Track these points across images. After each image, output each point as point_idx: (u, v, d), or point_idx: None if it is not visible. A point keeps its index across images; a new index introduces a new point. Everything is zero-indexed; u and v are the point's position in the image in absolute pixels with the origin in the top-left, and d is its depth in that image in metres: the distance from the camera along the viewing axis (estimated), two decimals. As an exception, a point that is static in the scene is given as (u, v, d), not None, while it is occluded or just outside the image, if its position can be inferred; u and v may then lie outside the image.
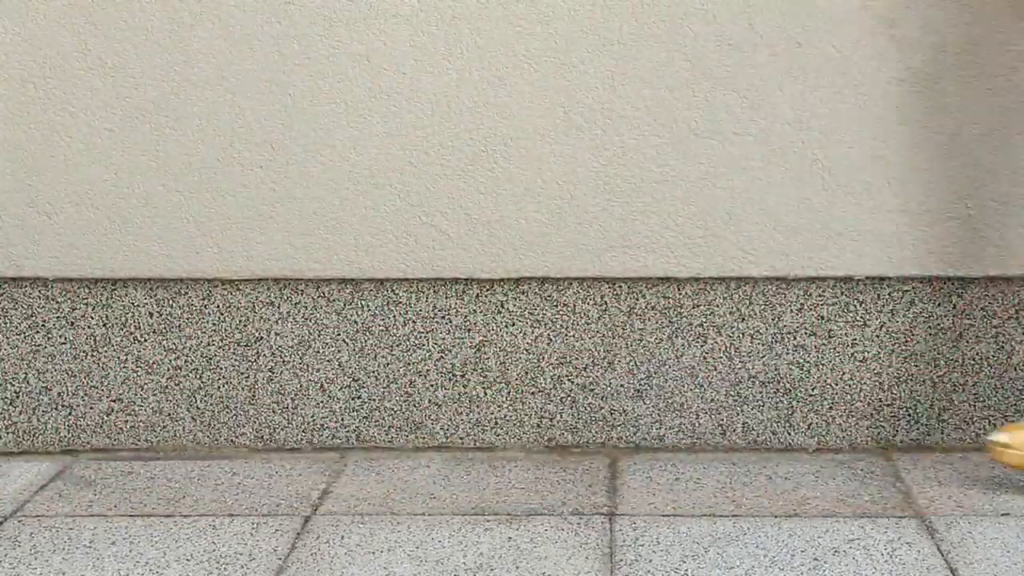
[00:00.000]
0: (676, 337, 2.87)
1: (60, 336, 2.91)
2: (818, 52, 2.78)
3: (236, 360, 2.91)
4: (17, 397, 2.93)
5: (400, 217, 2.85)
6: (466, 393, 2.90)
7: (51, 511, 2.60)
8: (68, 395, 2.93)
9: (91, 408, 2.93)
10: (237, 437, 2.93)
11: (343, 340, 2.90)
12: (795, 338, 2.86)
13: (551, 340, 2.88)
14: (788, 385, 2.87)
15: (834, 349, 2.86)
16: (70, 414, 2.93)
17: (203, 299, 2.90)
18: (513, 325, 2.88)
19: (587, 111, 2.81)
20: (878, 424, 2.87)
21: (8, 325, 2.92)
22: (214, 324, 2.91)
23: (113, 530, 2.50)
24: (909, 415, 2.87)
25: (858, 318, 2.85)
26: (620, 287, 2.86)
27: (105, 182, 2.87)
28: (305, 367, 2.91)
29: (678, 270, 2.84)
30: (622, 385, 2.89)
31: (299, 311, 2.90)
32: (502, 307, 2.88)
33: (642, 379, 2.88)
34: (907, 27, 2.77)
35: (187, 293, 2.90)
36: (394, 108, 2.83)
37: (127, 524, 2.53)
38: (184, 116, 2.85)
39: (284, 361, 2.91)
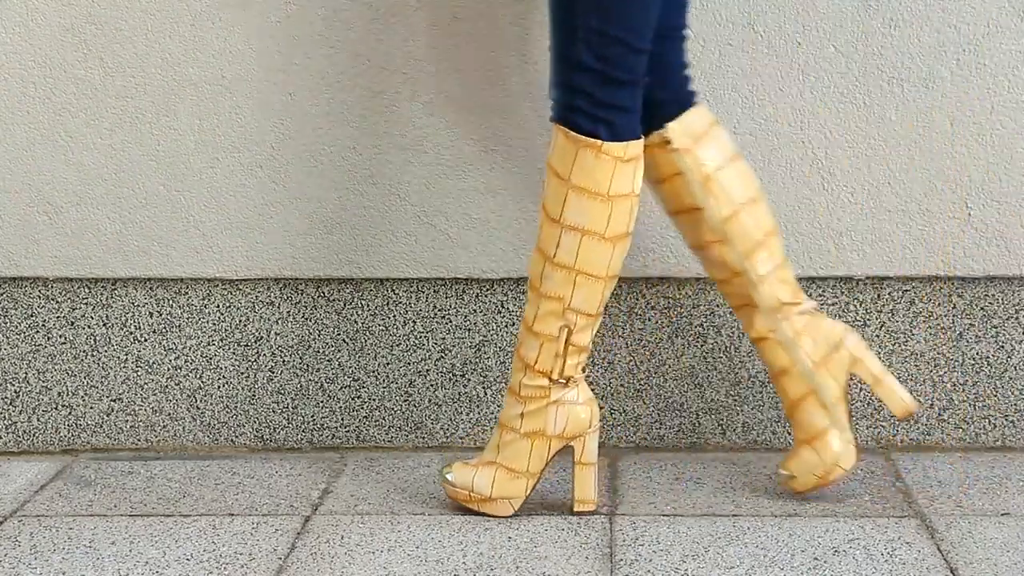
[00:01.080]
0: (676, 337, 2.87)
1: (60, 336, 2.91)
2: (818, 52, 2.78)
3: (236, 360, 2.91)
4: (17, 397, 2.93)
5: (400, 217, 2.85)
6: (466, 393, 2.90)
7: (51, 511, 2.60)
8: (68, 395, 2.93)
9: (91, 408, 2.93)
10: (237, 437, 2.93)
11: (343, 340, 2.90)
12: (795, 338, 2.86)
13: (551, 340, 2.88)
14: (788, 385, 2.87)
15: (834, 349, 2.86)
16: (70, 414, 2.93)
17: (203, 299, 2.90)
18: (513, 325, 2.87)
19: (587, 111, 2.81)
20: (878, 424, 2.87)
21: (8, 325, 2.92)
22: (214, 324, 2.90)
23: (113, 530, 2.50)
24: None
25: (858, 318, 2.85)
26: (620, 287, 2.86)
27: (105, 182, 2.87)
28: (305, 367, 2.91)
29: (678, 270, 2.84)
30: (622, 385, 2.89)
31: (299, 311, 2.89)
32: (502, 307, 2.88)
33: (642, 379, 2.88)
34: (907, 27, 2.77)
35: (187, 293, 2.90)
36: (394, 108, 2.83)
37: (127, 524, 2.53)
38: (184, 116, 2.85)
39: (284, 361, 2.91)
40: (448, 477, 2.53)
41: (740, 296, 2.55)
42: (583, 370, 2.51)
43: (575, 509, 2.53)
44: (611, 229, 2.42)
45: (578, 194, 2.41)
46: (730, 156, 2.53)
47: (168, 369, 2.92)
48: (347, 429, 2.92)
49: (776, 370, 2.55)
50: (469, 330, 2.88)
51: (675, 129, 2.50)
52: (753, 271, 2.52)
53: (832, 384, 2.54)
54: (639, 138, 2.43)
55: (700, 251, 2.56)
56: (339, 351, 2.90)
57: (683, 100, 2.53)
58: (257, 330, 2.90)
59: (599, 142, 2.39)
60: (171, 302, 2.90)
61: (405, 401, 2.91)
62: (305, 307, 2.89)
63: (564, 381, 2.48)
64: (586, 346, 2.48)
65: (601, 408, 2.87)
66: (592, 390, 2.88)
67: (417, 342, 2.89)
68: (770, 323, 2.54)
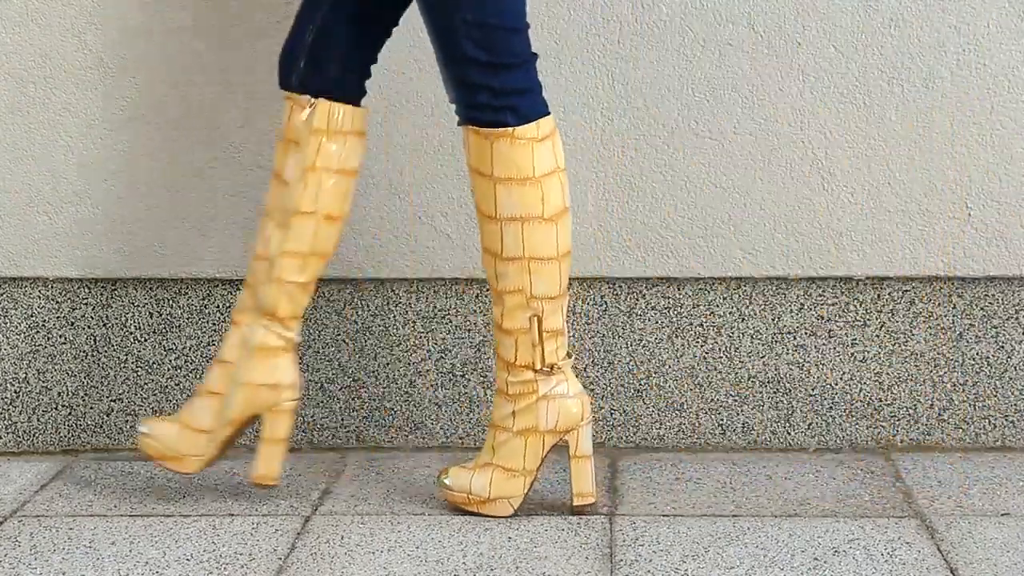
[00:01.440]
0: (676, 337, 2.87)
1: (60, 336, 2.91)
2: (818, 52, 2.78)
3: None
4: (17, 397, 2.93)
5: (400, 217, 2.85)
6: (466, 393, 2.90)
7: (51, 511, 2.60)
8: (68, 395, 2.93)
9: (91, 408, 2.92)
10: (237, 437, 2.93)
11: (343, 340, 2.90)
12: (795, 338, 2.86)
13: (551, 340, 2.88)
14: (788, 385, 2.87)
15: (834, 349, 2.86)
16: (70, 414, 2.93)
17: (203, 299, 2.90)
18: (513, 325, 2.87)
19: (586, 111, 2.81)
20: (878, 424, 2.87)
21: (8, 325, 2.92)
22: (214, 324, 2.90)
23: (113, 530, 2.50)
24: (909, 415, 2.87)
25: (858, 318, 2.85)
26: (620, 287, 2.86)
27: (105, 182, 2.87)
28: (305, 367, 2.91)
29: (678, 270, 2.84)
30: (622, 385, 2.89)
31: (299, 311, 2.89)
32: (502, 307, 2.87)
33: (642, 379, 2.88)
34: (907, 27, 2.77)
35: (187, 293, 2.90)
36: (394, 108, 2.83)
37: (127, 524, 2.53)
38: (184, 116, 2.85)
39: (284, 361, 2.91)
40: (446, 482, 2.53)
41: (255, 276, 2.54)
42: (569, 356, 2.50)
43: (575, 503, 2.52)
44: (548, 209, 2.43)
45: (506, 186, 2.41)
46: (347, 169, 2.50)
47: (168, 369, 2.91)
48: (347, 429, 2.92)
49: (220, 356, 2.56)
50: (469, 330, 2.88)
51: (321, 107, 2.48)
52: (277, 269, 2.50)
53: (242, 408, 2.53)
54: (547, 113, 2.44)
55: (263, 219, 2.55)
56: (339, 351, 2.90)
57: (349, 89, 2.50)
58: (257, 330, 2.90)
59: (510, 129, 2.40)
60: (171, 302, 2.90)
61: (405, 401, 2.91)
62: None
63: (548, 369, 2.47)
64: (560, 329, 2.48)
65: (600, 408, 2.87)
66: (592, 390, 2.88)
67: (417, 342, 2.89)
68: (250, 317, 2.54)
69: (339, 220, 2.51)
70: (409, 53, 2.81)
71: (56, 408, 2.93)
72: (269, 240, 2.51)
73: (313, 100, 2.48)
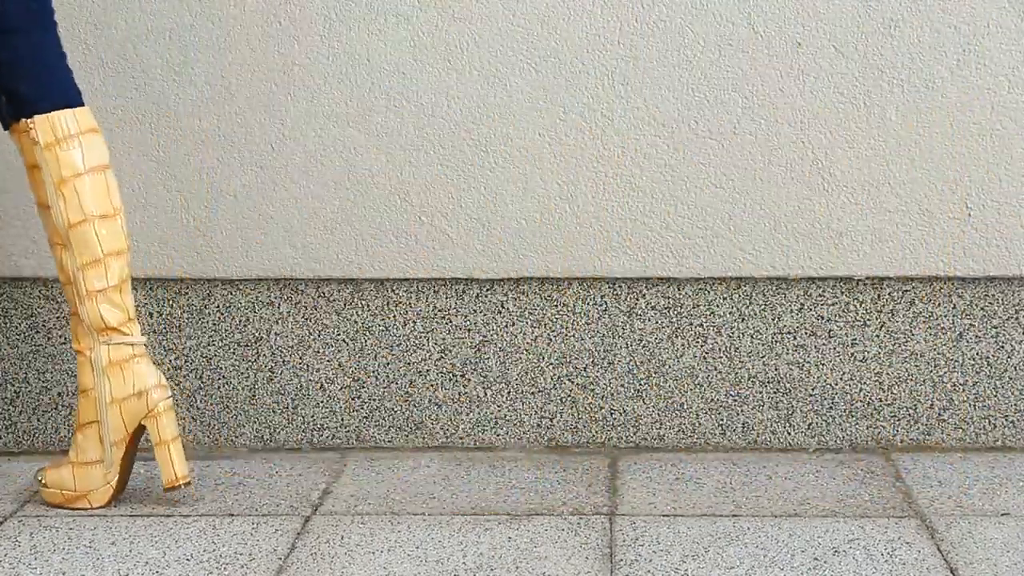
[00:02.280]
0: (676, 337, 2.87)
1: (60, 336, 2.91)
2: (818, 52, 2.78)
3: (236, 360, 2.91)
4: (17, 397, 2.93)
5: (400, 217, 2.85)
6: (466, 393, 2.90)
7: (51, 511, 2.60)
8: (68, 395, 2.93)
9: (91, 408, 2.92)
10: (237, 437, 2.93)
11: (343, 340, 2.90)
12: (795, 338, 2.86)
13: (551, 340, 2.88)
14: (788, 385, 2.87)
15: (834, 349, 2.86)
16: (70, 414, 2.93)
17: (203, 299, 2.90)
18: (513, 325, 2.88)
19: (587, 111, 2.81)
20: (878, 424, 2.87)
21: (8, 325, 2.92)
22: (214, 324, 2.90)
23: (113, 530, 2.50)
24: (909, 415, 2.87)
25: (858, 318, 2.85)
26: (620, 287, 2.86)
27: (105, 182, 2.86)
28: (305, 367, 2.91)
29: (678, 270, 2.84)
30: (622, 385, 2.89)
31: (299, 311, 2.90)
32: (502, 307, 2.88)
33: (642, 379, 2.88)
34: (907, 27, 2.77)
35: (187, 293, 2.90)
36: (394, 108, 2.83)
37: (127, 524, 2.53)
38: (184, 116, 2.85)
39: (284, 361, 2.91)
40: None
41: (72, 303, 2.56)
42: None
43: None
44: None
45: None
46: (96, 166, 2.52)
47: (168, 369, 2.91)
48: (347, 429, 2.92)
49: (80, 387, 2.57)
50: (469, 330, 2.88)
51: (41, 123, 2.50)
52: (82, 285, 2.52)
53: (120, 426, 2.56)
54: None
55: (51, 248, 2.58)
56: (339, 351, 2.90)
57: (57, 95, 2.53)
58: (257, 330, 2.90)
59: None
60: (171, 302, 2.90)
61: (405, 401, 2.91)
62: (305, 307, 2.89)
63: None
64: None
65: (600, 408, 2.87)
66: (592, 390, 2.88)
67: (417, 342, 2.89)
68: (89, 341, 2.55)
69: (115, 215, 2.54)
70: (410, 52, 2.81)
71: (56, 408, 2.93)
72: (64, 264, 2.54)
73: (30, 121, 2.50)
